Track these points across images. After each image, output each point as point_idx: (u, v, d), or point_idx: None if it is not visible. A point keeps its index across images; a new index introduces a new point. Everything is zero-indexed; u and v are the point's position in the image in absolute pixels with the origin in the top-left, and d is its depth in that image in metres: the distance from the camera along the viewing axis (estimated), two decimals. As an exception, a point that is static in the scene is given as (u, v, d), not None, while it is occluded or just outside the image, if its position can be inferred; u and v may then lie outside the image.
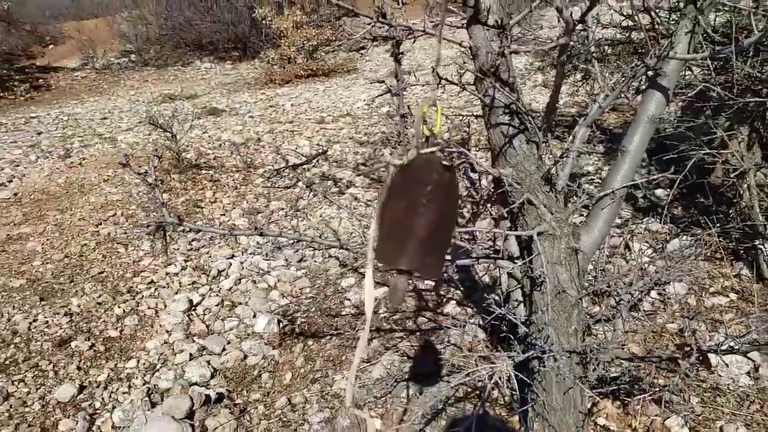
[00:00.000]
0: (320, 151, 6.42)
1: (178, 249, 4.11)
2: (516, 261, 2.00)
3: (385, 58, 11.65)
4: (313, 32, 10.32)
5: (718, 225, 3.42)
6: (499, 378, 1.67)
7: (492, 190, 2.24)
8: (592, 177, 4.84)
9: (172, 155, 5.59)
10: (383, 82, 1.67)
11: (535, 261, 1.84)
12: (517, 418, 2.18)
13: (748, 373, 2.45)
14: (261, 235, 1.72)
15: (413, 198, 0.84)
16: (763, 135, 3.73)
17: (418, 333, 2.91)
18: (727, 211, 3.67)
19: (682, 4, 1.71)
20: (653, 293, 3.17)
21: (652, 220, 4.00)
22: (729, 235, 3.51)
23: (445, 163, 0.86)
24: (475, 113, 2.06)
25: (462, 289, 3.32)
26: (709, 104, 3.47)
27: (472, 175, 3.09)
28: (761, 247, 3.23)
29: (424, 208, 0.84)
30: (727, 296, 3.12)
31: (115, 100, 9.86)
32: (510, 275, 2.08)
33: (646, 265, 3.05)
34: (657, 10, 2.72)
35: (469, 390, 2.34)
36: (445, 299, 3.22)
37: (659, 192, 4.49)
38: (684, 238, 3.64)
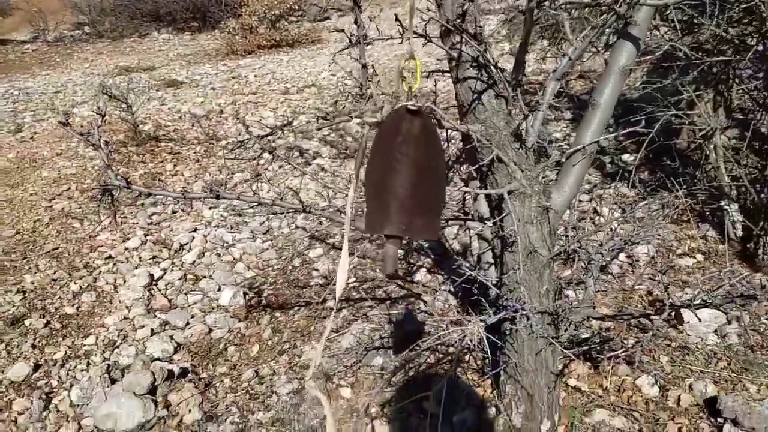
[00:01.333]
0: (285, 122, 6.26)
1: (137, 223, 3.95)
2: (486, 221, 1.94)
3: (351, 28, 11.40)
4: (275, 1, 10.00)
5: (684, 187, 3.44)
6: (470, 340, 1.62)
7: (460, 149, 2.17)
8: (561, 144, 4.82)
9: (129, 127, 5.36)
10: (342, 31, 1.57)
11: (506, 221, 1.79)
12: (489, 381, 2.16)
13: (715, 331, 2.47)
14: (217, 198, 1.61)
15: (387, 156, 0.79)
16: (727, 97, 3.74)
17: (388, 302, 2.86)
18: (693, 173, 3.69)
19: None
20: (622, 256, 3.17)
21: (620, 184, 4.00)
22: (695, 197, 3.53)
23: (412, 108, 0.80)
24: (442, 69, 1.97)
25: (432, 256, 3.27)
26: (676, 65, 3.45)
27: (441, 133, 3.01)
28: (727, 208, 3.26)
29: (399, 164, 0.79)
30: (694, 257, 3.14)
31: (68, 73, 9.43)
32: (480, 236, 2.02)
33: (616, 227, 3.04)
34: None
35: (441, 356, 2.30)
36: (415, 267, 3.16)
37: (626, 157, 4.50)
38: (651, 200, 3.66)
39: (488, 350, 1.68)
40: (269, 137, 5.72)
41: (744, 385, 2.18)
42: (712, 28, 3.11)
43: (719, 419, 1.98)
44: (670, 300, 1.50)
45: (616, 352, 1.83)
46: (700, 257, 3.14)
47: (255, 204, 1.71)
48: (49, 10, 13.69)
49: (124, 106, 5.32)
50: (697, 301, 1.47)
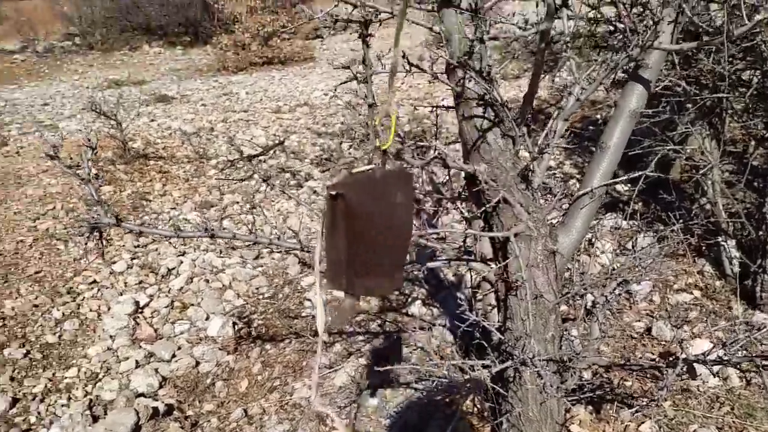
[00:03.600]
0: (277, 141, 6.19)
1: (123, 246, 3.84)
2: (490, 263, 1.88)
3: (342, 48, 11.42)
4: (268, 18, 9.98)
5: (681, 221, 3.41)
6: (476, 390, 1.55)
7: (462, 187, 2.11)
8: (554, 171, 4.80)
9: (117, 144, 5.26)
10: (348, 67, 1.52)
11: (511, 264, 1.73)
12: (489, 428, 2.08)
13: (716, 373, 2.42)
14: (212, 237, 1.54)
15: (335, 221, 0.83)
16: (720, 132, 3.74)
17: (382, 336, 2.78)
18: (689, 206, 3.67)
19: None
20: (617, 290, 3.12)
21: (614, 215, 3.97)
22: (691, 232, 3.50)
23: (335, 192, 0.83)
24: (443, 104, 1.92)
25: (427, 287, 3.21)
26: (671, 99, 3.44)
27: (437, 171, 2.96)
28: (724, 244, 3.23)
29: (342, 230, 0.83)
30: (691, 293, 3.11)
31: (57, 85, 9.30)
32: (484, 279, 1.96)
33: (617, 266, 3.00)
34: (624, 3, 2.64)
35: (439, 398, 2.23)
36: (410, 299, 3.09)
37: (619, 187, 4.48)
38: (646, 235, 3.63)
39: (493, 399, 1.61)
40: (260, 157, 5.65)
41: (748, 433, 2.13)
42: (710, 65, 3.11)
43: (726, 471, 1.92)
44: (684, 354, 1.45)
45: (633, 409, 1.77)
46: (697, 293, 3.11)
47: (251, 243, 1.64)
48: (39, 20, 13.57)
49: (113, 122, 5.22)
50: (713, 357, 1.41)
